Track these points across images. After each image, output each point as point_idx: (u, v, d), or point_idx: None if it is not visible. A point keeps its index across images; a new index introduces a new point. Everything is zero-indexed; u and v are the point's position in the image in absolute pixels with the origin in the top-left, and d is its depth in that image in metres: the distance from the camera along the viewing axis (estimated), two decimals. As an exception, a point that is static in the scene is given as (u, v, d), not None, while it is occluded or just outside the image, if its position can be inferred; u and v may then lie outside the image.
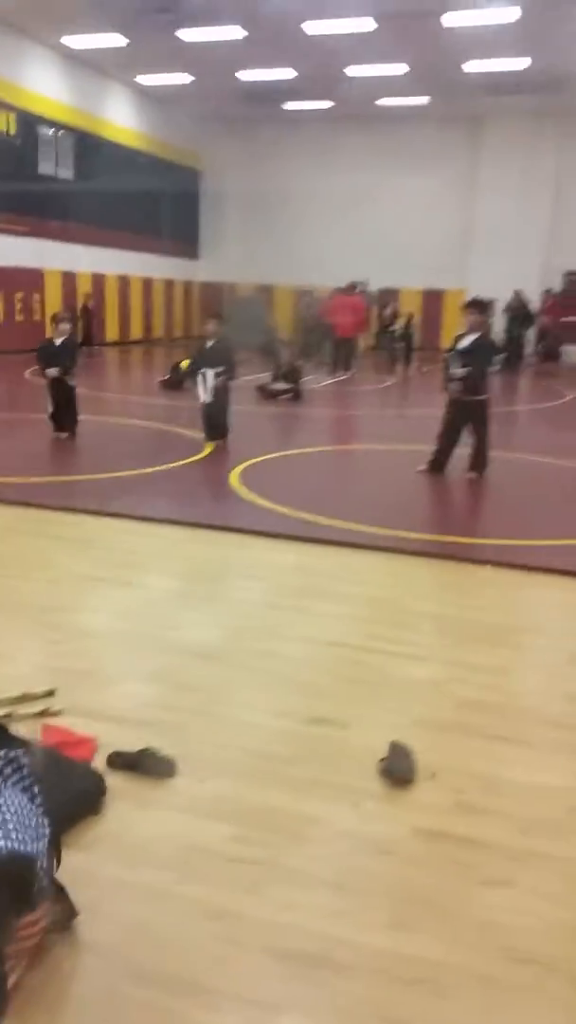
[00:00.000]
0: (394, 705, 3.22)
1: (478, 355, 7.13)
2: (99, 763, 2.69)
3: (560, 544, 5.42)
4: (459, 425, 7.28)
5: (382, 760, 2.76)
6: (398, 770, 2.72)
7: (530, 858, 2.35)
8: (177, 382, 12.31)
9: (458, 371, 7.08)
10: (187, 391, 10.03)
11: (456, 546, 5.38)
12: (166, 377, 13.15)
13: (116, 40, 17.15)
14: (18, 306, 18.29)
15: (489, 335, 7.33)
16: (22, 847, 1.77)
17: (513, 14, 14.61)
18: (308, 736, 2.97)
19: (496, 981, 1.94)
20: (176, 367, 12.71)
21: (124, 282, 22.23)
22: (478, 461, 7.30)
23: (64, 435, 8.43)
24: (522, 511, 6.46)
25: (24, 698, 3.07)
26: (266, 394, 12.45)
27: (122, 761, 2.70)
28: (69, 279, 19.91)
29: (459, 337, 7.31)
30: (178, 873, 2.23)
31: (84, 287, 20.37)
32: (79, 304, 19.87)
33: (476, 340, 7.19)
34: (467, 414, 7.22)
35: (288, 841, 2.39)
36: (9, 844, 1.75)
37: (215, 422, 8.44)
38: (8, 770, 1.94)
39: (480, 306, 7.45)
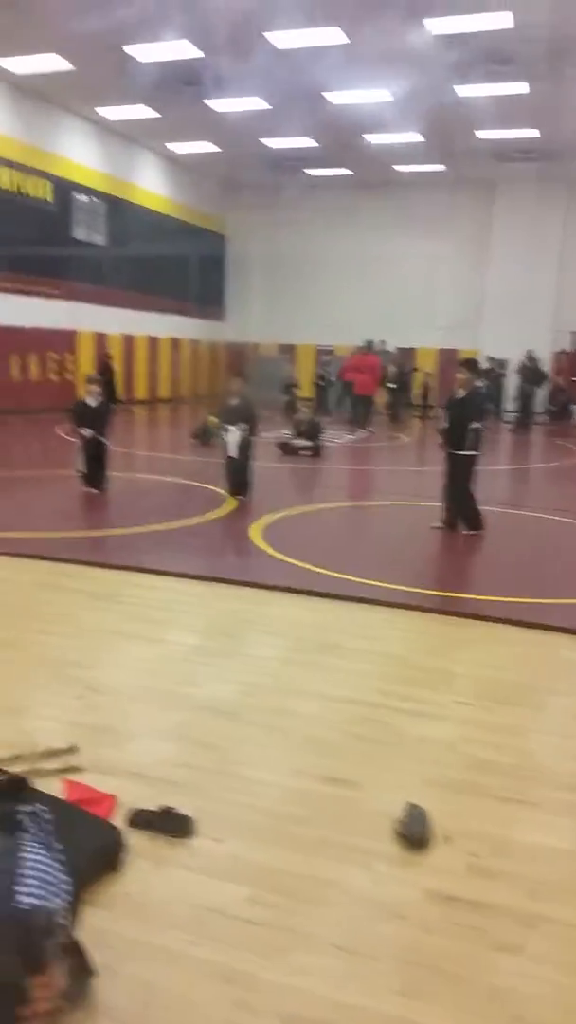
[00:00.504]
0: (408, 765, 3.25)
1: (461, 411, 7.35)
2: (119, 820, 2.74)
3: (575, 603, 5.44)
4: (452, 480, 7.45)
5: (397, 822, 2.79)
6: (414, 834, 2.74)
7: (539, 923, 2.36)
8: (206, 437, 12.54)
9: (442, 425, 7.41)
10: (214, 447, 10.23)
11: (471, 603, 5.42)
12: (195, 432, 13.37)
13: (147, 112, 17.94)
14: (52, 366, 18.79)
15: (477, 392, 7.50)
16: (42, 903, 1.83)
17: (522, 88, 15.17)
18: (323, 796, 3.01)
19: (506, 1049, 1.95)
20: (205, 424, 12.94)
21: (153, 343, 22.79)
22: (465, 517, 7.39)
23: (94, 491, 8.64)
24: (537, 569, 6.49)
25: (47, 753, 3.14)
26: (287, 450, 12.64)
27: (142, 819, 2.75)
28: (100, 340, 20.45)
29: (452, 396, 7.56)
30: (193, 934, 2.27)
31: (115, 348, 20.86)
32: (101, 363, 20.35)
33: (459, 397, 7.41)
34: (453, 467, 7.39)
35: (301, 904, 2.42)
36: (30, 899, 1.81)
37: (238, 477, 8.61)
38: (30, 825, 2.01)
39: (471, 366, 7.64)
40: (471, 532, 7.35)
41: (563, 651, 4.70)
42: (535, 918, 2.39)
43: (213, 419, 11.58)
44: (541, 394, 21.05)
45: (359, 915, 2.38)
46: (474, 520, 7.38)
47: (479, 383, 7.46)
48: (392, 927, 2.34)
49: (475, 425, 7.28)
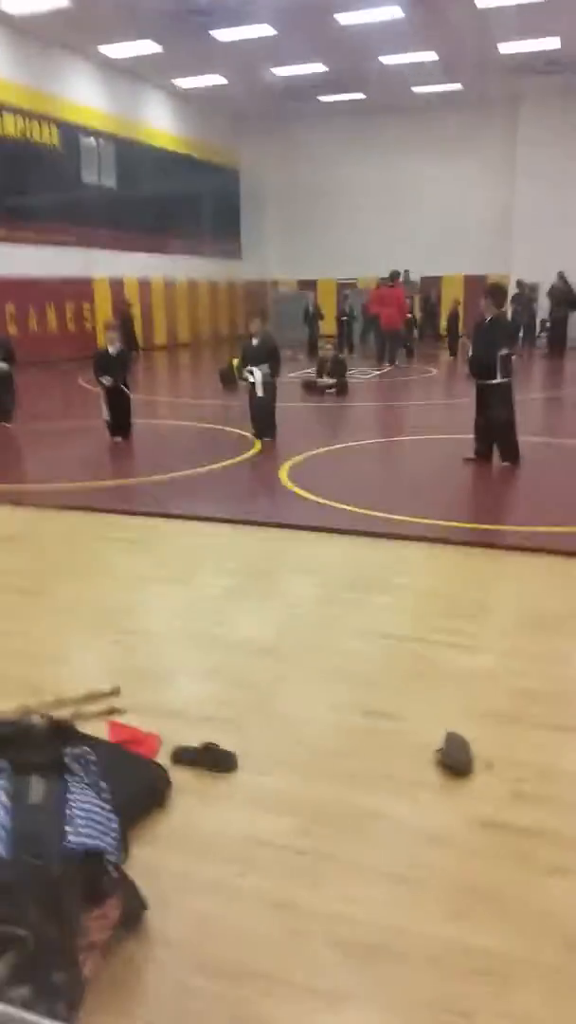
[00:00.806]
0: (449, 696, 3.24)
1: (487, 338, 7.10)
2: (163, 759, 2.77)
3: (615, 529, 5.35)
4: (483, 410, 7.24)
5: (438, 751, 2.79)
6: (455, 761, 2.74)
7: (590, 846, 2.36)
8: (230, 380, 12.40)
9: (469, 354, 7.21)
10: (239, 389, 10.12)
11: (504, 534, 5.35)
12: (220, 375, 13.17)
13: (151, 46, 17.36)
14: (69, 315, 18.65)
15: (502, 319, 7.22)
16: (92, 842, 1.85)
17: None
18: (364, 729, 3.01)
19: (558, 970, 1.95)
20: (228, 367, 12.78)
21: (170, 286, 22.49)
22: (506, 450, 7.21)
23: (119, 439, 8.63)
24: (572, 497, 6.38)
25: (90, 697, 3.18)
26: (312, 389, 12.49)
27: (186, 756, 2.78)
28: (117, 286, 20.21)
29: (479, 323, 7.32)
30: (242, 866, 2.30)
31: (131, 293, 20.63)
32: (119, 312, 20.18)
33: (486, 324, 7.17)
34: (487, 399, 7.16)
35: (347, 834, 2.44)
36: (80, 840, 1.83)
37: (263, 419, 8.53)
38: (76, 767, 2.03)
39: (494, 293, 7.32)
40: (507, 464, 7.21)
41: (602, 577, 4.63)
42: (584, 841, 2.38)
43: (235, 361, 11.44)
44: (574, 317, 20.44)
45: (405, 843, 2.39)
46: (514, 452, 7.22)
47: (506, 308, 7.17)
48: (439, 854, 2.35)
49: (504, 352, 7.07)
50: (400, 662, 3.58)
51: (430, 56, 18.37)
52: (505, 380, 7.09)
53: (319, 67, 19.21)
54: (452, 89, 21.16)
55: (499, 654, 3.62)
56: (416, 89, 21.17)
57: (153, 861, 2.27)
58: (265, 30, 16.29)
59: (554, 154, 21.90)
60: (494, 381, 7.07)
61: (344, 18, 15.70)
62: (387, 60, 18.67)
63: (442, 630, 3.87)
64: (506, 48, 17.64)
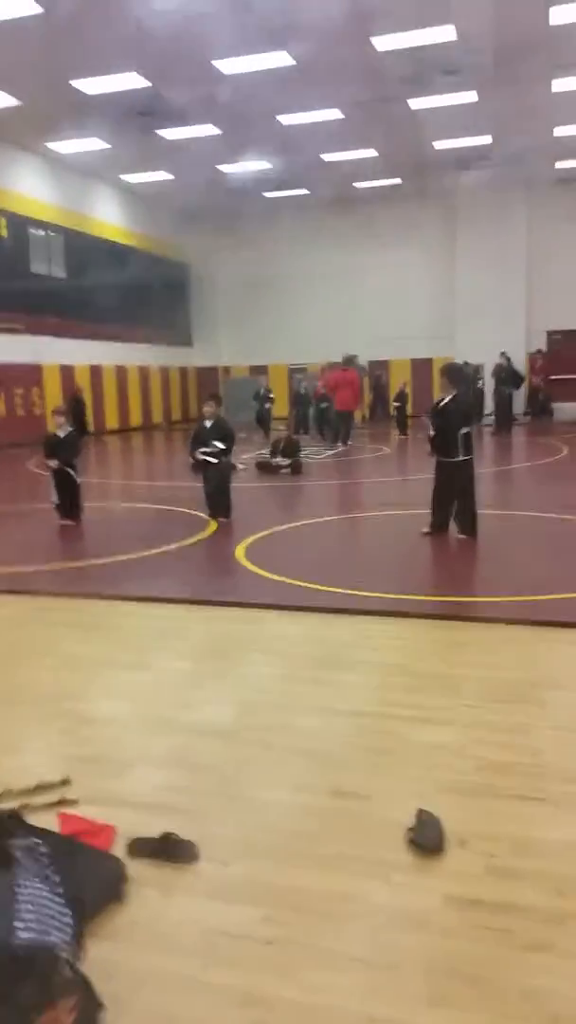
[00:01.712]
0: (417, 772, 3.16)
1: (444, 417, 7.29)
2: (119, 850, 2.62)
3: (570, 597, 5.38)
4: (444, 486, 7.38)
5: (410, 830, 2.69)
6: (426, 840, 2.65)
7: (568, 919, 2.27)
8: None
9: (431, 433, 7.34)
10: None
11: (467, 605, 5.35)
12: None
13: (99, 144, 18.00)
14: (18, 401, 18.68)
15: (460, 398, 7.44)
16: (43, 937, 1.72)
17: (471, 96, 15.43)
18: (331, 810, 2.90)
19: (546, 1055, 1.84)
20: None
21: (121, 372, 22.74)
22: (465, 524, 7.32)
23: (69, 522, 8.52)
24: (530, 567, 6.44)
25: (39, 788, 3.02)
26: (266, 468, 12.57)
27: (143, 848, 2.63)
28: (67, 372, 20.37)
29: (437, 402, 7.51)
30: (206, 959, 2.15)
31: (83, 379, 20.82)
32: (71, 397, 20.33)
33: (443, 403, 7.38)
34: (447, 475, 7.32)
35: (317, 920, 2.31)
36: (29, 935, 1.70)
37: (218, 500, 8.52)
38: (26, 859, 1.90)
39: (449, 372, 7.58)
40: (464, 536, 7.29)
41: (562, 645, 4.64)
42: (563, 915, 2.29)
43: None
44: (519, 395, 21.19)
45: (378, 926, 2.27)
46: (472, 525, 7.32)
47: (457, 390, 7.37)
48: (414, 936, 2.23)
49: (464, 430, 7.26)
50: (366, 739, 3.48)
51: (370, 153, 19.41)
52: (467, 457, 7.26)
53: (263, 164, 20.10)
54: (392, 183, 22.29)
55: (465, 727, 3.56)
56: (357, 184, 22.25)
57: (111, 957, 2.11)
58: (210, 130, 17.06)
59: (490, 242, 23.10)
60: (457, 459, 7.22)
61: (287, 119, 16.54)
62: (329, 158, 19.64)
63: (407, 705, 3.80)
64: (441, 145, 18.72)
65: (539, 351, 22.64)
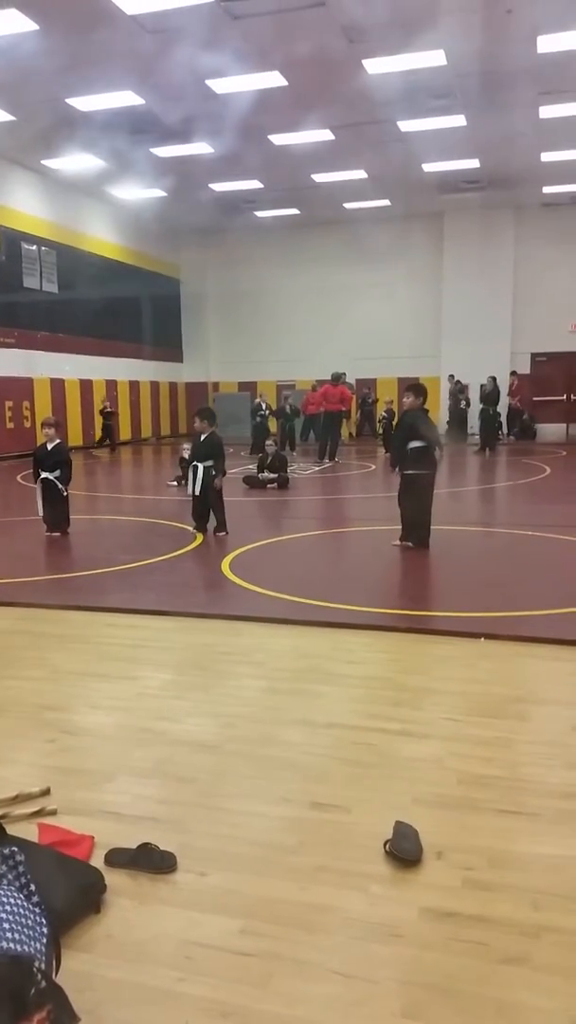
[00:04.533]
0: (396, 785, 3.17)
1: (397, 432, 7.85)
2: (98, 861, 2.62)
3: (552, 613, 5.43)
4: (400, 497, 7.72)
5: (387, 842, 2.70)
6: (404, 851, 2.66)
7: (544, 933, 2.28)
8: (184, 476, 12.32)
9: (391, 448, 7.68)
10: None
11: (449, 620, 5.38)
12: (175, 479, 12.93)
13: (92, 160, 18.12)
14: (8, 414, 18.67)
15: (411, 413, 7.65)
16: (19, 947, 1.71)
17: (459, 120, 15.66)
18: (310, 822, 2.91)
19: (519, 1066, 1.85)
20: (182, 461, 12.73)
21: (111, 387, 22.77)
22: (410, 532, 7.59)
23: (56, 534, 8.51)
24: (511, 583, 6.49)
25: (19, 798, 3.01)
26: (253, 483, 12.60)
27: (121, 858, 2.63)
28: (58, 386, 20.41)
29: (400, 417, 7.91)
30: (183, 971, 2.15)
31: (72, 393, 20.90)
32: (97, 408, 21.33)
33: (399, 419, 7.78)
34: (402, 486, 7.63)
35: (294, 931, 2.31)
36: (4, 945, 1.69)
37: (205, 513, 8.54)
38: (3, 868, 1.90)
39: (415, 390, 7.74)
40: (408, 544, 7.56)
41: (541, 661, 4.67)
42: (539, 928, 2.30)
43: (185, 455, 11.47)
44: (503, 415, 21.37)
45: (355, 938, 2.28)
46: (420, 535, 7.54)
47: (425, 406, 7.62)
48: (391, 948, 2.24)
49: (415, 444, 7.44)
50: (346, 752, 3.49)
51: (360, 175, 19.61)
52: (419, 471, 7.44)
53: (255, 184, 20.28)
54: (381, 205, 22.51)
55: (445, 740, 3.57)
56: (347, 205, 22.45)
57: (86, 969, 2.11)
58: (203, 148, 17.21)
59: (476, 263, 23.37)
60: (408, 472, 7.53)
61: (278, 139, 16.71)
62: (319, 178, 19.83)
63: (388, 718, 3.82)
64: (430, 167, 18.95)
65: (513, 373, 22.76)
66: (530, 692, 4.21)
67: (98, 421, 21.71)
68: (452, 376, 22.34)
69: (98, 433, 21.75)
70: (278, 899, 2.45)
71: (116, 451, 20.94)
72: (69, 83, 13.74)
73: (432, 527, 7.63)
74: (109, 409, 21.52)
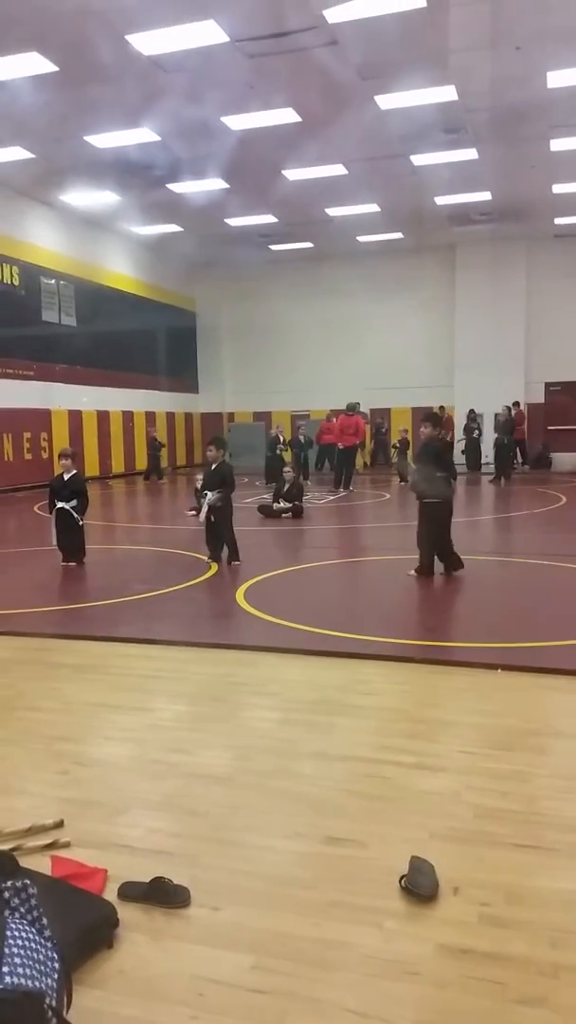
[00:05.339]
0: (412, 819, 3.13)
1: (420, 460, 7.81)
2: (111, 894, 2.60)
3: (570, 644, 5.38)
4: (426, 527, 7.64)
5: (402, 877, 2.67)
6: (419, 886, 2.62)
7: (562, 972, 2.23)
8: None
9: (412, 477, 7.81)
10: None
11: (465, 651, 5.34)
12: (192, 508, 12.93)
13: (110, 196, 18.46)
14: (26, 445, 18.86)
15: (431, 443, 7.77)
16: (30, 983, 1.70)
17: (471, 154, 15.85)
18: (325, 857, 2.88)
19: None
20: (196, 492, 12.74)
21: (128, 417, 22.97)
22: (445, 560, 7.61)
23: (72, 564, 8.56)
24: (529, 613, 6.44)
25: (32, 830, 3.00)
26: (268, 513, 12.62)
27: (134, 892, 2.61)
28: (75, 417, 20.62)
29: (420, 447, 7.96)
30: (195, 1008, 2.12)
31: (90, 425, 21.13)
32: (149, 440, 21.58)
33: (421, 448, 7.81)
34: (425, 515, 7.58)
35: (309, 968, 2.28)
36: (16, 980, 1.68)
37: (219, 542, 8.56)
38: (16, 901, 1.89)
39: (432, 419, 7.90)
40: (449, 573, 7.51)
41: (558, 693, 4.62)
42: (557, 967, 2.26)
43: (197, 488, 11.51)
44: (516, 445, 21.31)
45: (370, 975, 2.24)
46: (427, 566, 7.59)
47: (442, 434, 7.75)
48: (406, 986, 2.20)
49: (439, 474, 7.50)
50: (361, 785, 3.46)
51: (373, 208, 19.85)
52: (439, 500, 7.49)
53: (269, 218, 20.57)
54: (394, 237, 22.74)
55: (462, 773, 3.54)
56: (360, 238, 22.70)
57: (98, 1006, 2.09)
58: (218, 184, 17.50)
59: (489, 294, 23.51)
60: (429, 500, 7.55)
61: (292, 174, 16.97)
62: (333, 212, 20.08)
63: (403, 750, 3.78)
64: (442, 200, 19.15)
65: (516, 403, 22.32)
66: (547, 725, 4.17)
67: (141, 450, 21.82)
68: (472, 411, 22.28)
69: (142, 463, 21.87)
70: (292, 935, 2.43)
71: (162, 480, 20.96)
72: (87, 122, 14.05)
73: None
74: (160, 442, 21.66)
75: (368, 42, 11.19)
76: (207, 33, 10.85)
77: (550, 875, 2.72)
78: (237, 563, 8.45)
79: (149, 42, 11.14)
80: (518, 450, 21.76)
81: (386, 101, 13.21)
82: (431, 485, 7.53)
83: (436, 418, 7.88)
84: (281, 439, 19.92)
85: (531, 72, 12.31)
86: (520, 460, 22.18)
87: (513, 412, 21.01)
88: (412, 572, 7.63)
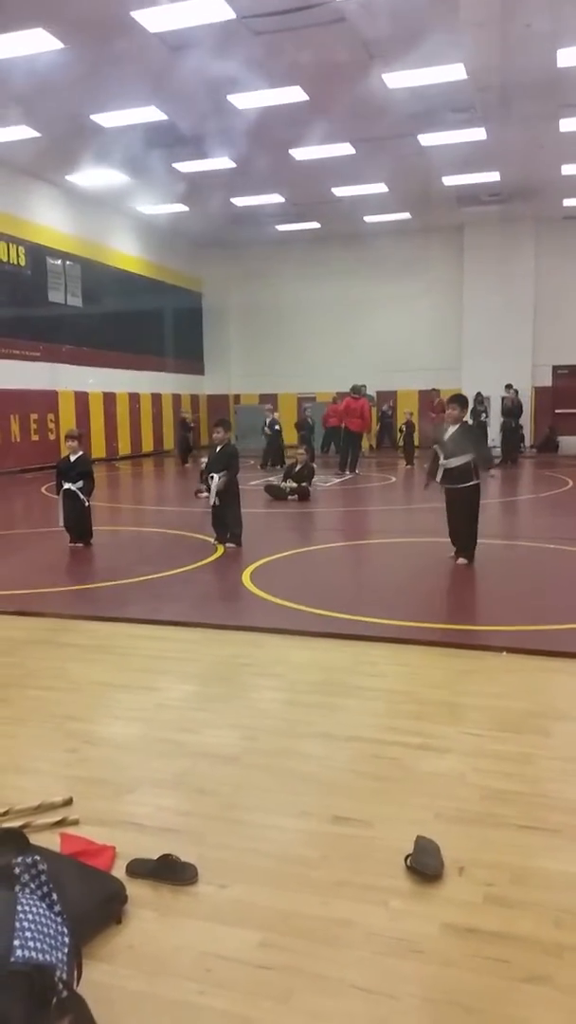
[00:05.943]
0: (418, 799, 3.15)
1: (466, 441, 7.37)
2: (119, 871, 2.63)
3: (575, 628, 5.38)
4: (467, 511, 7.43)
5: (408, 857, 2.69)
6: (425, 866, 2.64)
7: (566, 952, 2.25)
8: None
9: (453, 461, 7.31)
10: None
11: (471, 634, 5.35)
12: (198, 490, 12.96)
13: (116, 176, 18.34)
14: (33, 426, 18.87)
15: (470, 425, 7.69)
16: (41, 956, 1.73)
17: (479, 134, 15.68)
18: (331, 836, 2.90)
19: None
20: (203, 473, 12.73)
21: (134, 398, 22.95)
22: (465, 548, 7.44)
23: (80, 545, 8.58)
24: (535, 596, 6.45)
25: (42, 808, 3.03)
26: (275, 494, 12.62)
27: (142, 869, 2.64)
28: (82, 398, 20.60)
29: (444, 431, 7.54)
30: (203, 984, 2.15)
31: (96, 406, 21.10)
32: (178, 419, 21.62)
33: (460, 429, 7.43)
34: (459, 500, 7.38)
35: (315, 945, 2.31)
36: (27, 953, 1.71)
37: (224, 523, 8.56)
38: (26, 877, 1.92)
39: (461, 401, 7.65)
40: (463, 561, 7.37)
41: (565, 676, 4.63)
42: (561, 947, 2.28)
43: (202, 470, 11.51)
44: (527, 430, 21.24)
45: (376, 953, 2.27)
46: (472, 551, 7.42)
47: (468, 419, 7.51)
48: (412, 964, 2.23)
49: (466, 458, 7.34)
50: (368, 765, 3.48)
51: (380, 188, 19.68)
52: (476, 482, 7.37)
53: (276, 198, 20.42)
54: (401, 218, 22.57)
55: (467, 755, 3.55)
56: (367, 218, 22.53)
57: (107, 980, 2.12)
58: (225, 163, 17.37)
59: (497, 276, 23.35)
60: (469, 484, 7.32)
61: (299, 153, 16.82)
62: (340, 192, 19.92)
63: (409, 732, 3.80)
64: (450, 181, 18.98)
65: (507, 386, 22.01)
66: (553, 707, 4.18)
67: (170, 431, 21.55)
68: (480, 394, 22.17)
69: (148, 444, 21.73)
70: (298, 913, 2.45)
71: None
72: (93, 99, 13.93)
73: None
74: (191, 423, 21.46)
75: (376, 19, 11.05)
76: (214, 9, 10.73)
77: (555, 856, 2.74)
78: (231, 546, 8.39)
79: (155, 18, 11.02)
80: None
81: (394, 79, 13.07)
82: (485, 465, 7.47)
83: (463, 400, 7.73)
84: (267, 421, 19.52)
85: (541, 50, 12.15)
86: (528, 444, 22.11)
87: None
88: (463, 560, 7.43)
